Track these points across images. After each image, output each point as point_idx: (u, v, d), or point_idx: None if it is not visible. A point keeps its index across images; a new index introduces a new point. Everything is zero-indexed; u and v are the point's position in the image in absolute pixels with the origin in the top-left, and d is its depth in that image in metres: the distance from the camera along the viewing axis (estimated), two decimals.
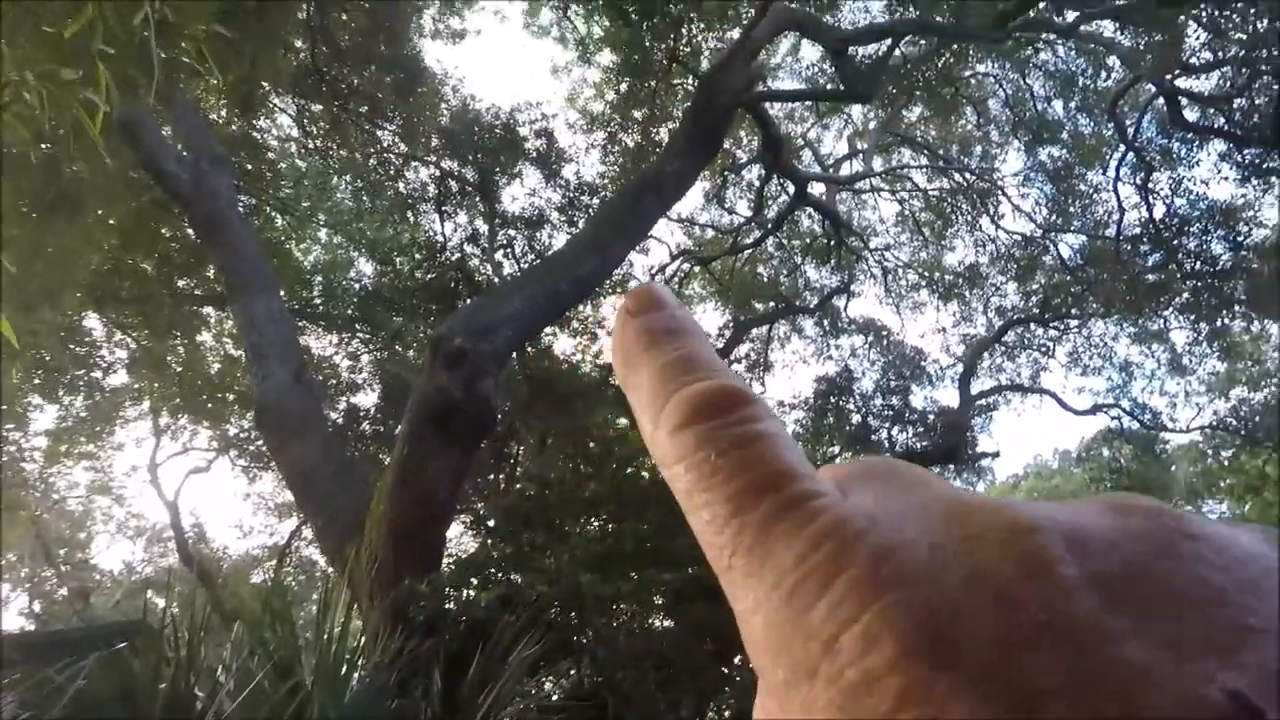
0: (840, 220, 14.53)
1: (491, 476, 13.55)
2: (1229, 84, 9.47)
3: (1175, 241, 11.83)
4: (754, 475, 0.21)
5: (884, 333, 16.98)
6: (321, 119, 12.25)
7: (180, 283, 12.01)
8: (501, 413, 13.53)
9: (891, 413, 16.63)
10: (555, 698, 6.69)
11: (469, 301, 11.53)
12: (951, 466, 16.64)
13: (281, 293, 12.28)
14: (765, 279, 16.80)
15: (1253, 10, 7.74)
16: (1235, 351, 13.85)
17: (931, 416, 16.53)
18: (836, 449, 17.03)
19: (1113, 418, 15.42)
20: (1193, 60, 9.24)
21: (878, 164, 15.44)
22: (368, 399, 14.21)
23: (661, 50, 10.55)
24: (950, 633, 0.16)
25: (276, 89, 10.74)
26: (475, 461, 11.08)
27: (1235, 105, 9.83)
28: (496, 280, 12.97)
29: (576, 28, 13.36)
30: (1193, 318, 12.85)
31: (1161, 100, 9.95)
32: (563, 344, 17.62)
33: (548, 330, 14.60)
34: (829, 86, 11.87)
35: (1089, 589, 0.17)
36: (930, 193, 15.14)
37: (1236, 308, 12.46)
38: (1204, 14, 8.14)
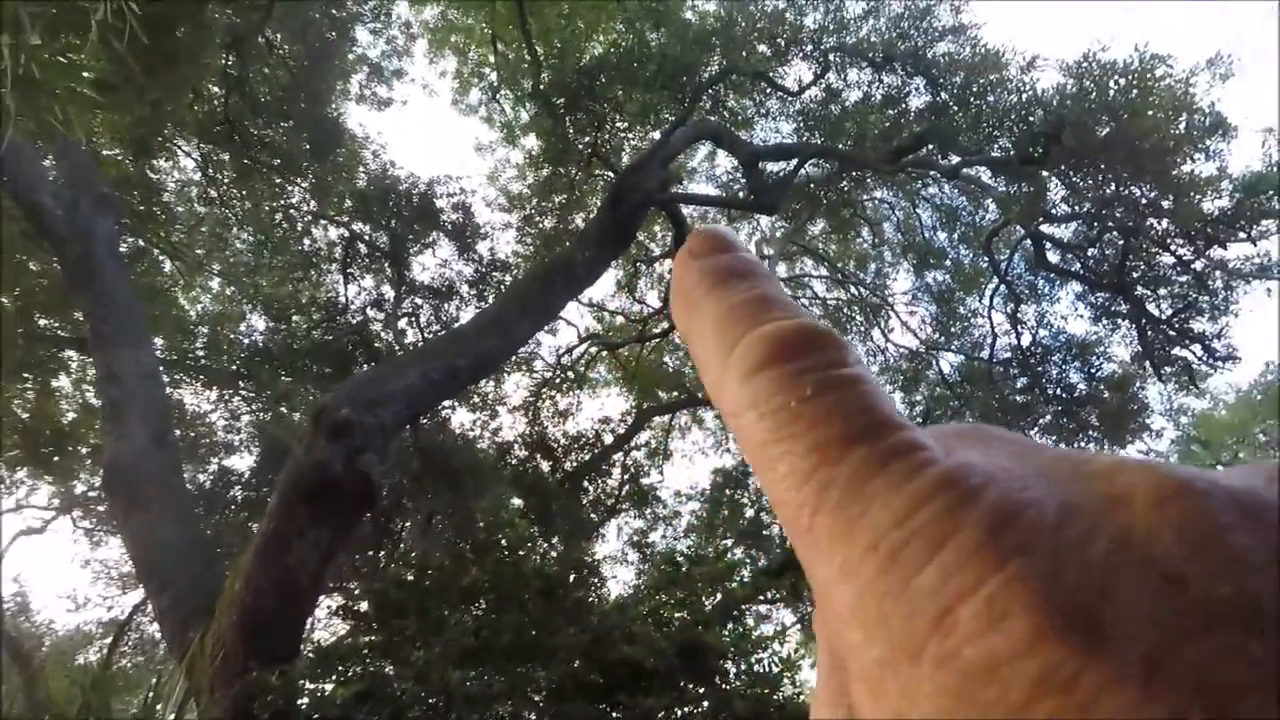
0: None
1: (371, 554, 12.76)
2: (1084, 235, 10.70)
3: (1039, 368, 12.95)
4: (845, 423, 0.18)
5: None
6: (228, 167, 11.87)
7: (42, 321, 11.04)
8: (388, 487, 12.89)
9: None
10: None
11: (363, 369, 11.12)
12: None
13: (159, 341, 11.47)
14: (670, 369, 17.12)
15: (1101, 176, 8.89)
16: None
17: None
18: (729, 542, 17.12)
19: None
20: (1054, 210, 10.40)
21: (781, 270, 16.31)
22: (243, 462, 13.27)
23: (584, 142, 10.93)
24: (1099, 610, 0.13)
25: (180, 134, 10.37)
26: (355, 538, 10.42)
27: (1089, 254, 11.07)
28: (398, 348, 12.63)
29: (504, 110, 13.71)
30: (1054, 439, 13.94)
31: (1029, 242, 11.09)
32: (461, 418, 17.15)
33: (446, 403, 14.24)
34: (740, 194, 12.56)
35: (1273, 566, 0.13)
36: (828, 302, 16.06)
37: (1090, 432, 13.62)
38: (1063, 173, 9.27)
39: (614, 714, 8.61)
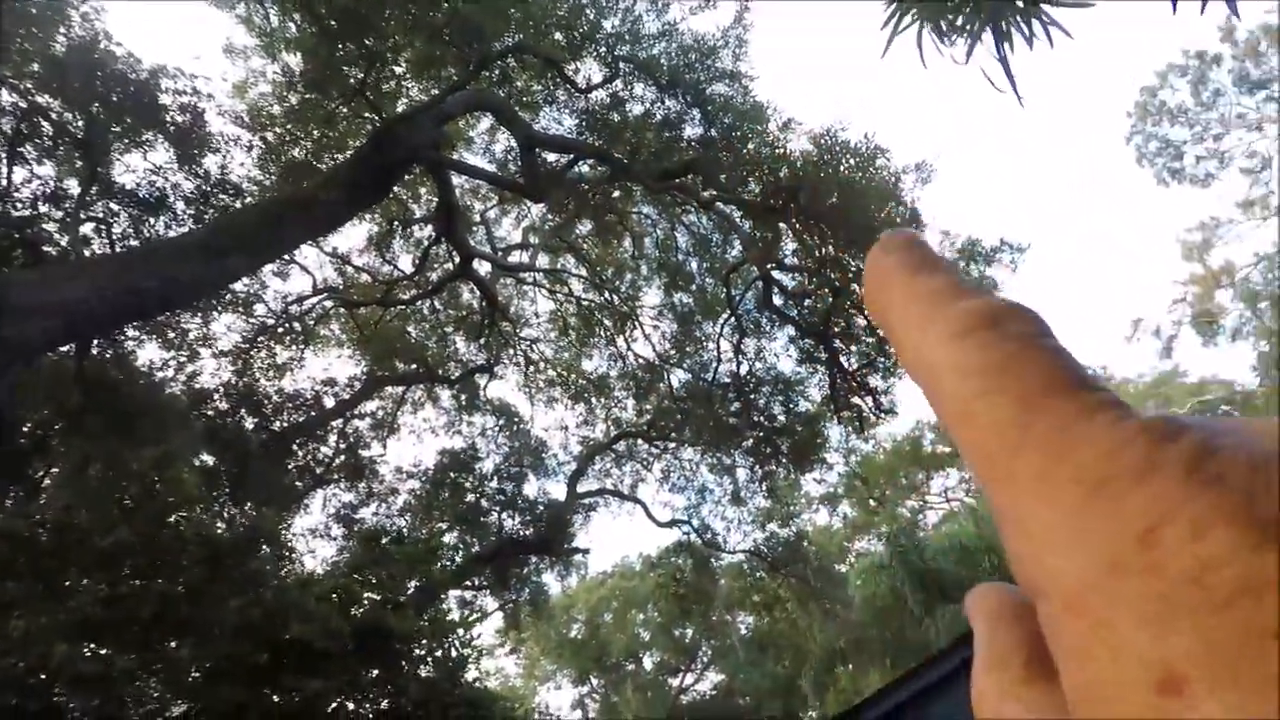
0: (498, 303, 14.90)
1: None
2: (803, 287, 12.18)
3: (751, 396, 14.45)
4: (1052, 377, 0.20)
5: (515, 420, 17.52)
6: None
7: None
8: (31, 420, 10.63)
9: (504, 498, 16.96)
10: None
11: (9, 271, 9.06)
12: (547, 558, 17.41)
13: None
14: (412, 339, 16.29)
15: (823, 238, 10.21)
16: (776, 494, 17.12)
17: (540, 507, 17.26)
18: (445, 525, 16.70)
19: (684, 532, 17.78)
20: (785, 259, 11.71)
21: (543, 261, 16.38)
22: None
23: (354, 77, 9.99)
24: None
25: None
26: None
27: (805, 304, 12.61)
28: (74, 256, 10.46)
29: (268, 16, 12.06)
30: (752, 460, 15.65)
31: (760, 282, 12.34)
32: (151, 354, 14.77)
33: (132, 334, 12.11)
34: (515, 177, 12.38)
35: None
36: (582, 302, 16.45)
37: (782, 459, 15.50)
38: (796, 228, 10.49)
39: (275, 698, 7.89)
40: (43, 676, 5.64)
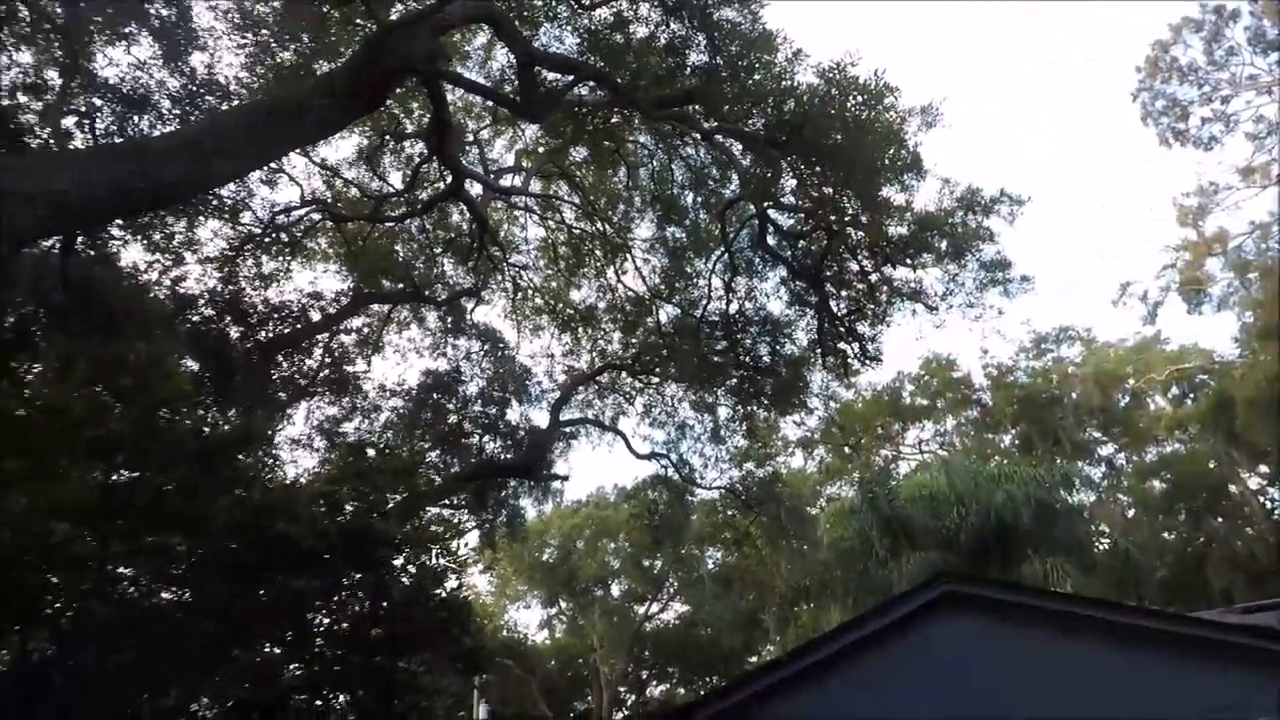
0: (488, 226, 14.75)
1: None
2: (798, 228, 12.15)
3: (738, 335, 14.58)
4: None
5: (501, 345, 17.59)
6: None
7: None
8: (12, 314, 10.53)
9: (487, 421, 17.19)
10: None
11: None
12: (525, 482, 17.76)
13: None
14: (400, 258, 16.16)
15: (823, 178, 10.11)
16: (755, 434, 17.45)
17: (522, 432, 17.53)
18: (427, 444, 16.92)
19: (662, 466, 18.17)
20: (783, 198, 11.64)
21: (536, 187, 16.15)
22: None
23: None
24: None
25: None
26: None
27: (799, 245, 12.61)
28: (55, 149, 10.18)
29: None
30: (734, 400, 15.89)
31: (756, 221, 12.29)
32: (134, 255, 14.57)
33: (118, 233, 11.92)
34: (511, 96, 12.08)
35: None
36: (574, 230, 16.32)
37: (763, 400, 15.75)
38: (796, 165, 10.38)
39: (262, 593, 8.14)
40: (28, 557, 5.79)
